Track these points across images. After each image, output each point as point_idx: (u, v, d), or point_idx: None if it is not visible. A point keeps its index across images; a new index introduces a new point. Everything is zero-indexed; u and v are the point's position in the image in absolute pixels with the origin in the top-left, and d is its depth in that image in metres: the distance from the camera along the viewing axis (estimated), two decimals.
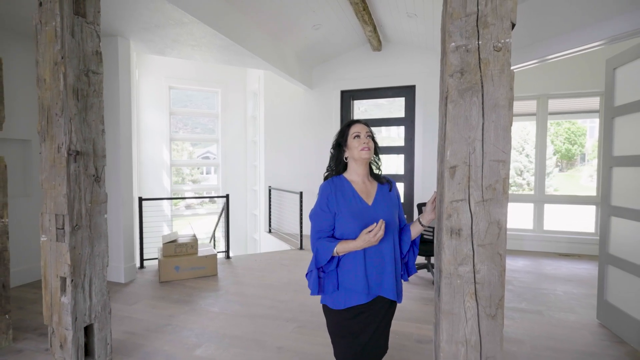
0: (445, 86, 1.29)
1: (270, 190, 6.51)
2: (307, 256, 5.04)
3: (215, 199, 8.40)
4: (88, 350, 2.15)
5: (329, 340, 2.60)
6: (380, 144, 1.64)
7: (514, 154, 16.05)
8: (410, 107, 5.72)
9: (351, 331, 1.50)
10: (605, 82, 2.94)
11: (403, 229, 1.56)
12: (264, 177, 6.68)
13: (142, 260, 4.49)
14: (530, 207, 5.57)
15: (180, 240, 4.20)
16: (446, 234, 1.28)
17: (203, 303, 3.39)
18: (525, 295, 3.58)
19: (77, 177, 2.01)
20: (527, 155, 16.62)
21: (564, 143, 20.07)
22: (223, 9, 3.62)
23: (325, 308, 1.55)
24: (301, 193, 5.49)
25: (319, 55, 5.83)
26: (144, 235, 4.52)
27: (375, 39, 5.25)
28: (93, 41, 2.09)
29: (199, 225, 7.86)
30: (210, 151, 14.62)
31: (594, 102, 5.55)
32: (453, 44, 1.26)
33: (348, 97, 6.05)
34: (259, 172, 7.02)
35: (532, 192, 5.71)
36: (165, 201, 6.46)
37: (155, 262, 4.71)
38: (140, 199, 4.44)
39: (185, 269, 4.07)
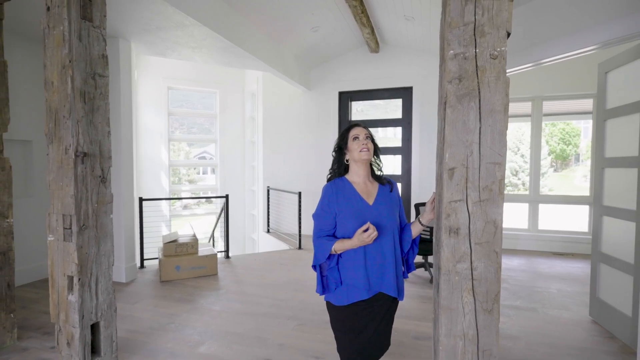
0: (444, 92, 1.35)
1: (268, 191, 6.56)
2: (306, 256, 5.10)
3: (213, 199, 8.43)
4: (94, 347, 2.19)
5: (330, 337, 2.66)
6: (378, 144, 1.70)
7: (509, 154, 16.20)
8: (407, 109, 5.79)
9: (354, 327, 1.56)
10: (597, 86, 3.03)
11: (404, 228, 1.63)
12: (262, 177, 6.73)
13: (142, 260, 4.53)
14: (525, 207, 5.66)
15: (181, 240, 4.24)
16: (445, 232, 1.34)
17: (204, 302, 3.43)
18: (521, 293, 3.66)
19: (84, 178, 2.06)
20: (522, 156, 16.79)
21: (559, 143, 20.28)
22: (224, 11, 3.67)
23: (329, 305, 1.61)
24: (300, 193, 5.54)
25: (318, 57, 5.89)
26: (144, 235, 4.55)
27: (373, 41, 5.31)
28: (99, 45, 2.13)
29: (196, 225, 7.89)
30: (207, 151, 14.62)
31: (588, 104, 5.66)
32: (451, 51, 1.32)
33: (346, 98, 6.11)
34: (257, 173, 7.06)
35: (527, 192, 5.81)
36: (163, 201, 6.49)
37: (155, 261, 4.75)
38: (141, 199, 4.48)
39: (186, 269, 4.12)
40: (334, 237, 1.55)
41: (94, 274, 2.13)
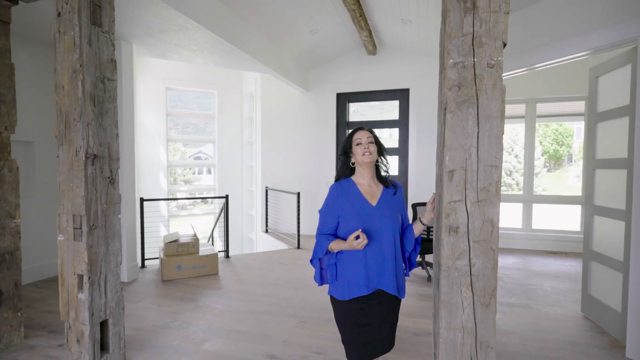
0: (444, 98, 1.43)
1: (267, 191, 6.62)
2: (305, 255, 5.17)
3: (211, 199, 8.46)
4: (103, 344, 2.25)
5: (331, 334, 2.75)
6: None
7: (503, 155, 16.38)
8: (404, 110, 5.89)
9: (356, 321, 1.64)
10: (588, 90, 3.13)
11: (407, 228, 1.71)
12: (261, 177, 6.79)
13: (143, 259, 4.57)
14: (519, 207, 5.78)
15: (182, 240, 4.29)
16: (445, 231, 1.42)
17: (207, 300, 3.49)
18: (515, 291, 3.76)
19: (93, 179, 2.11)
20: (516, 156, 16.99)
21: (552, 144, 20.53)
22: (225, 14, 3.73)
23: (332, 299, 1.70)
24: (298, 194, 5.61)
25: (316, 59, 5.96)
26: (144, 235, 4.59)
27: (371, 43, 5.40)
28: (108, 49, 2.19)
29: (193, 225, 7.92)
30: (202, 151, 14.61)
31: (580, 106, 5.79)
32: (451, 60, 1.41)
33: (344, 100, 6.19)
34: (255, 173, 7.12)
35: (521, 193, 5.93)
36: (161, 202, 6.53)
37: (156, 261, 4.79)
38: (142, 200, 4.52)
39: (187, 268, 4.17)
40: (335, 236, 1.65)
41: (103, 272, 2.19)
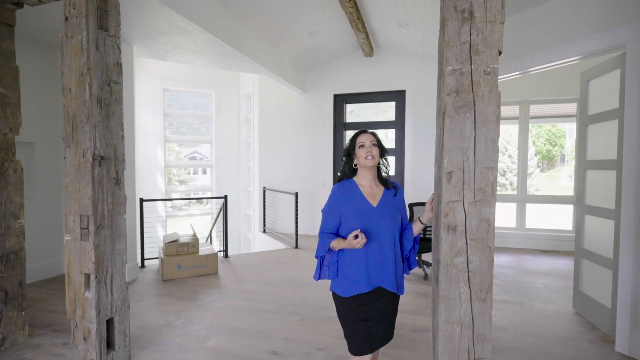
0: (443, 103, 1.51)
1: (264, 191, 6.67)
2: (304, 255, 5.23)
3: (208, 200, 8.49)
4: (109, 342, 2.29)
5: (332, 330, 2.82)
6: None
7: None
8: (400, 111, 5.97)
9: (357, 316, 1.71)
10: (579, 93, 3.23)
11: (406, 228, 1.78)
12: (258, 178, 6.84)
13: (142, 259, 4.60)
14: (513, 206, 5.89)
15: (182, 240, 4.34)
16: (444, 230, 1.49)
17: (207, 299, 3.54)
18: (509, 288, 3.86)
19: (100, 180, 2.16)
20: (509, 156, 17.19)
21: (545, 144, 20.79)
22: (224, 16, 3.78)
23: (335, 295, 1.77)
24: (296, 194, 5.67)
25: (313, 61, 6.03)
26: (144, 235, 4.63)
27: (368, 45, 5.48)
28: (114, 53, 2.24)
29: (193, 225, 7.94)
30: (198, 151, 14.59)
31: (572, 107, 5.92)
32: (450, 67, 1.48)
33: (341, 101, 6.27)
34: (252, 173, 7.17)
35: (515, 193, 6.03)
36: (159, 202, 6.55)
37: (155, 261, 4.83)
38: (142, 200, 4.55)
39: (187, 268, 4.21)
40: (337, 235, 1.73)
41: (109, 271, 2.24)
